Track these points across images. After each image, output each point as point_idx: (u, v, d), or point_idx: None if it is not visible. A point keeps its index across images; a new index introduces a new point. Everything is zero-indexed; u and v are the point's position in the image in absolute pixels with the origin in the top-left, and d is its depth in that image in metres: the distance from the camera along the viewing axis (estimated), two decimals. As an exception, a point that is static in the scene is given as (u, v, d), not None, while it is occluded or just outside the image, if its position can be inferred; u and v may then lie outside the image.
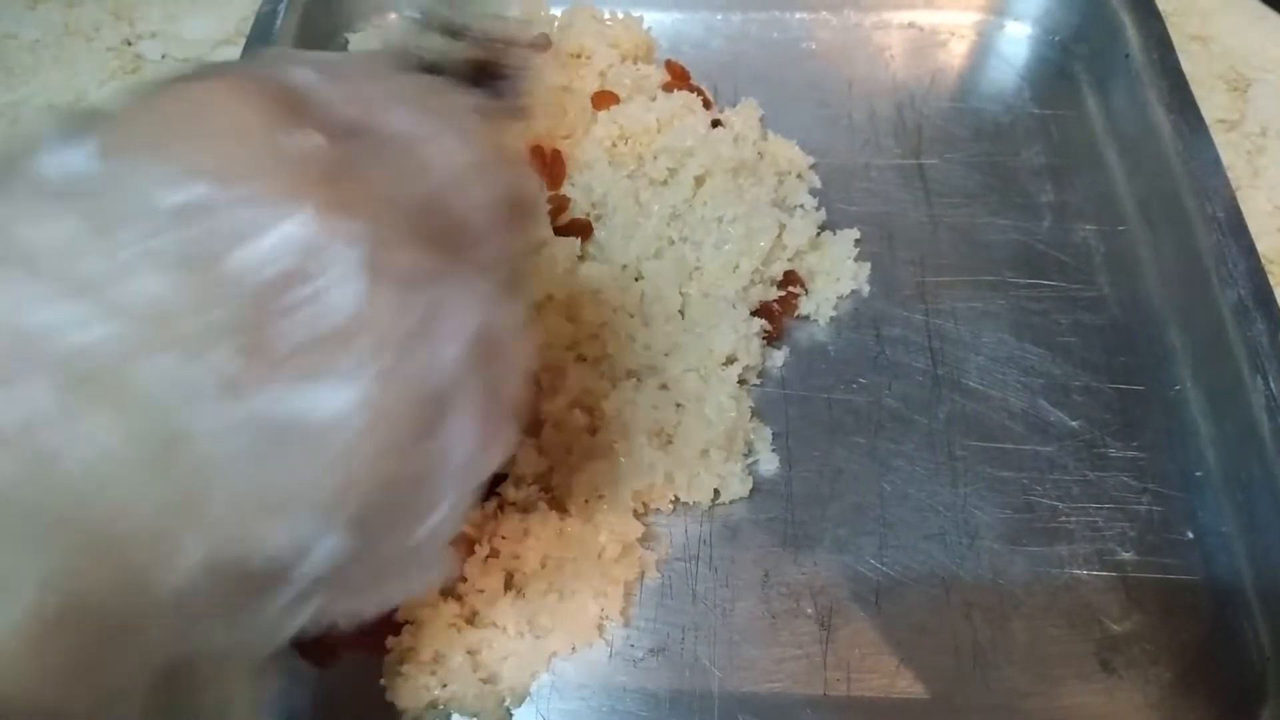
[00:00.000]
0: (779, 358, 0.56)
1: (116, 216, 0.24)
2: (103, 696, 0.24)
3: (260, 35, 0.64)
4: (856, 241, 0.59)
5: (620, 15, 0.68)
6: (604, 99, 0.62)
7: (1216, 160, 0.57)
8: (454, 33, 0.43)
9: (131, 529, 0.23)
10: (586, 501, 0.49)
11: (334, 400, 0.25)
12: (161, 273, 0.24)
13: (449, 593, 0.47)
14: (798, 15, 0.72)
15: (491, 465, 0.29)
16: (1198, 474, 0.52)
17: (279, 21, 0.65)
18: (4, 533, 0.23)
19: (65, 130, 0.26)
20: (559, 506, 0.49)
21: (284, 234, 0.24)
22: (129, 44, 0.73)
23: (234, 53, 0.67)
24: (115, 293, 0.23)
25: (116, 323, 0.23)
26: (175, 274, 0.24)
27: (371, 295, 0.25)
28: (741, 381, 0.54)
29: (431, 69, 0.40)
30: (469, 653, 0.46)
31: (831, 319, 0.57)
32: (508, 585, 0.47)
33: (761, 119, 0.64)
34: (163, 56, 0.72)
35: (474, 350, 0.28)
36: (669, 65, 0.66)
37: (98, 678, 0.23)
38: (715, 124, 0.62)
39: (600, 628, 0.47)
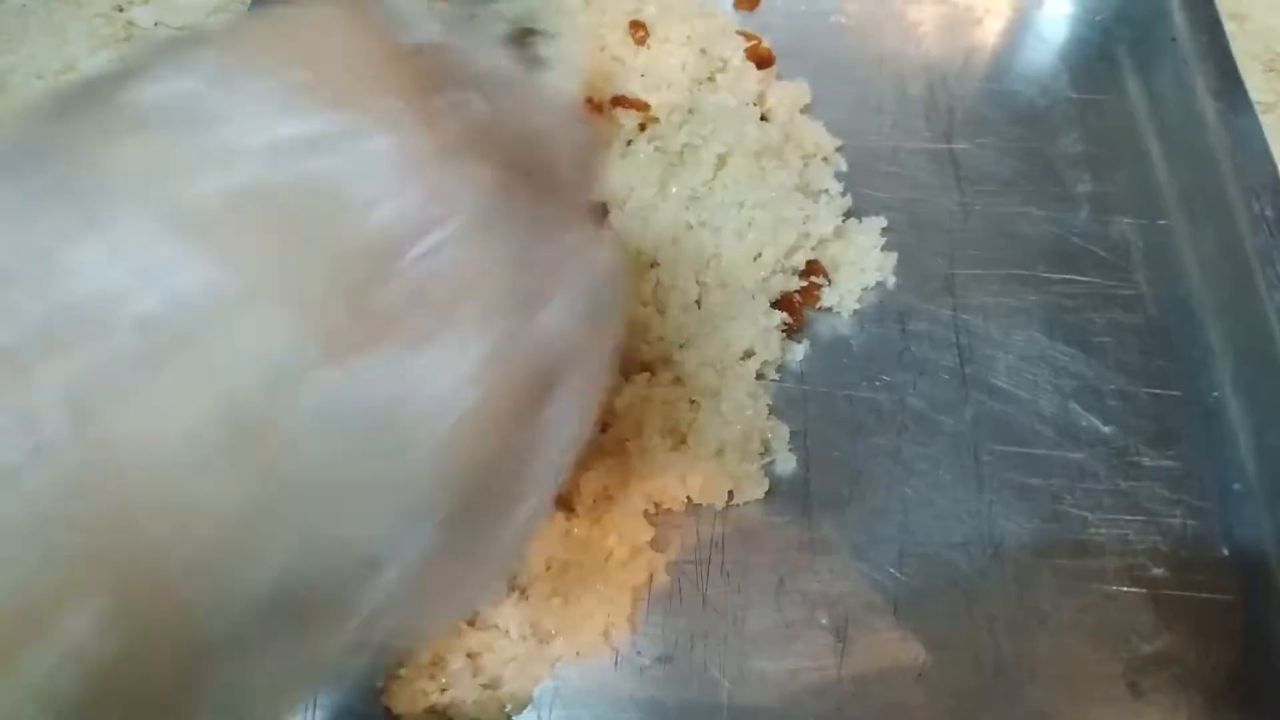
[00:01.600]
0: (799, 352, 0.53)
1: (223, 146, 0.21)
2: None
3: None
4: (883, 230, 0.57)
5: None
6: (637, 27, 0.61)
7: (1266, 153, 0.54)
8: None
9: (198, 550, 0.20)
10: (595, 502, 0.47)
11: (444, 373, 0.21)
12: (269, 213, 0.20)
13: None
14: (828, -13, 0.69)
15: (581, 443, 0.26)
16: (1235, 487, 0.49)
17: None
18: (36, 565, 0.18)
19: (168, 51, 0.23)
20: (566, 506, 0.47)
21: (409, 178, 0.21)
22: (120, 10, 0.71)
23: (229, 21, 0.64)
24: (211, 234, 0.20)
25: (208, 269, 0.20)
26: (284, 216, 0.20)
27: (492, 251, 0.22)
28: (759, 377, 0.52)
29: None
30: (469, 656, 0.44)
31: (855, 312, 0.55)
32: (511, 587, 0.45)
33: (805, 108, 0.62)
34: (155, 24, 0.70)
35: (587, 312, 0.25)
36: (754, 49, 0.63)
37: None
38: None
39: (607, 635, 0.45)
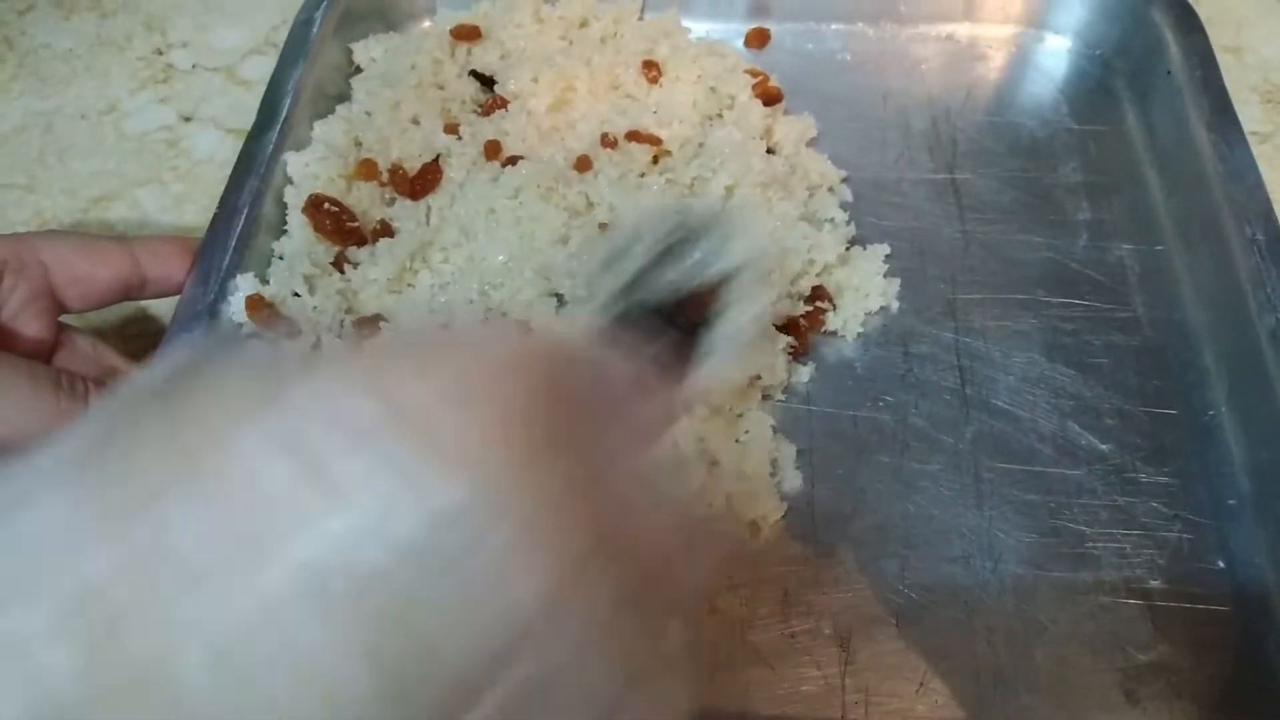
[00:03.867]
0: (805, 374, 0.55)
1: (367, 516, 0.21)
2: None
3: (296, 43, 0.65)
4: (887, 257, 0.59)
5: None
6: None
7: (1258, 182, 0.56)
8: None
9: None
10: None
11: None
12: (384, 600, 0.21)
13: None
14: (833, 26, 0.71)
15: None
16: (1230, 502, 0.51)
17: (315, 30, 0.65)
18: None
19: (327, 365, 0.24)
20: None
21: (531, 584, 0.22)
22: (160, 53, 0.74)
23: (264, 63, 0.67)
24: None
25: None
26: (401, 607, 0.21)
27: (598, 675, 0.23)
28: (765, 398, 0.54)
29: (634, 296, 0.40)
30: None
31: (859, 335, 0.57)
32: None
33: (811, 141, 0.65)
34: (193, 66, 0.74)
35: None
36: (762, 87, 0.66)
37: None
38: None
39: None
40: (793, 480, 0.52)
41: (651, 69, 0.64)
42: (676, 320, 0.40)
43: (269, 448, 0.21)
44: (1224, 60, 0.64)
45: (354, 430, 0.21)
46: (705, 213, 0.43)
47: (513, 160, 0.60)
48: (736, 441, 0.52)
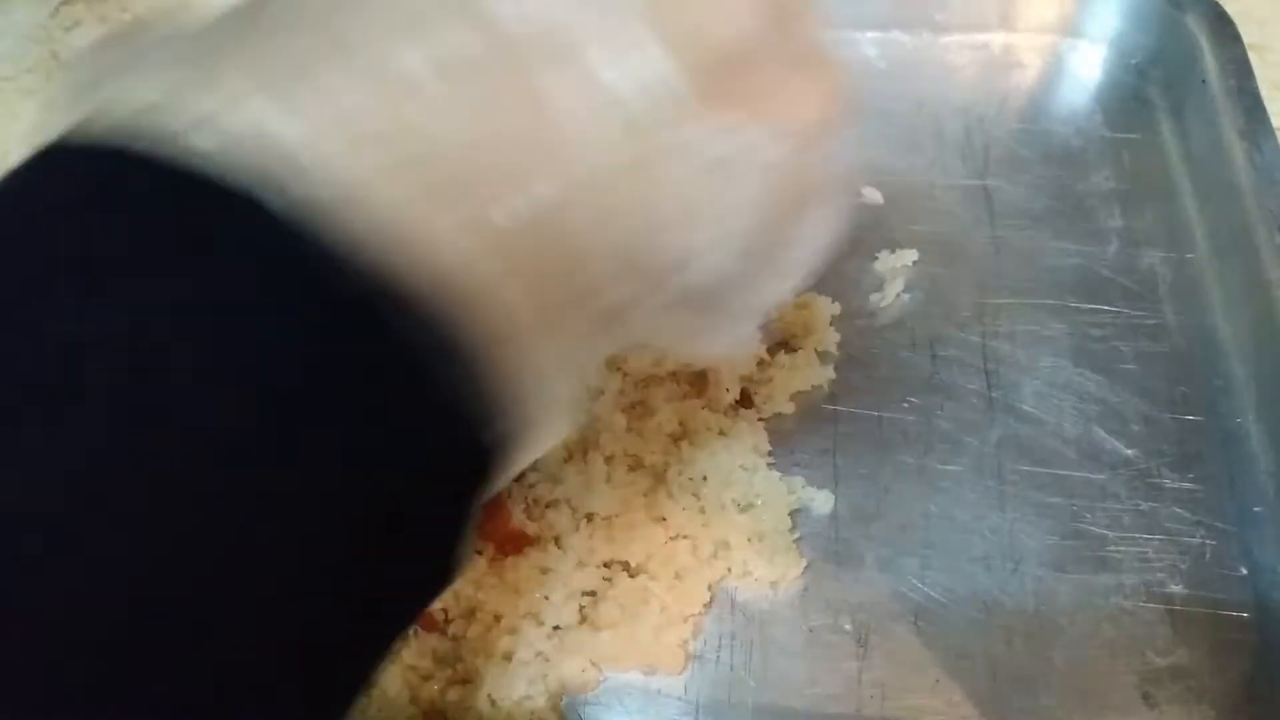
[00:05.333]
0: (830, 373, 0.56)
1: None
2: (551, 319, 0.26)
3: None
4: (915, 262, 0.59)
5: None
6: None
7: (1291, 191, 0.56)
8: None
9: (592, 183, 0.25)
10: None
11: (763, 150, 0.27)
12: None
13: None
14: (869, 34, 0.72)
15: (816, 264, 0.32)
16: (1256, 509, 0.50)
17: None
18: None
19: None
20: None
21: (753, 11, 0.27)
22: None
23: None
24: None
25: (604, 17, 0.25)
26: None
27: (799, 83, 0.29)
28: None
29: None
30: (506, 657, 0.47)
31: (886, 337, 0.57)
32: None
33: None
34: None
35: (842, 162, 0.31)
36: None
37: (548, 298, 0.25)
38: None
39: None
40: (823, 505, 0.52)
41: None
42: None
43: None
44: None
45: None
46: None
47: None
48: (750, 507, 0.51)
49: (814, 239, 0.31)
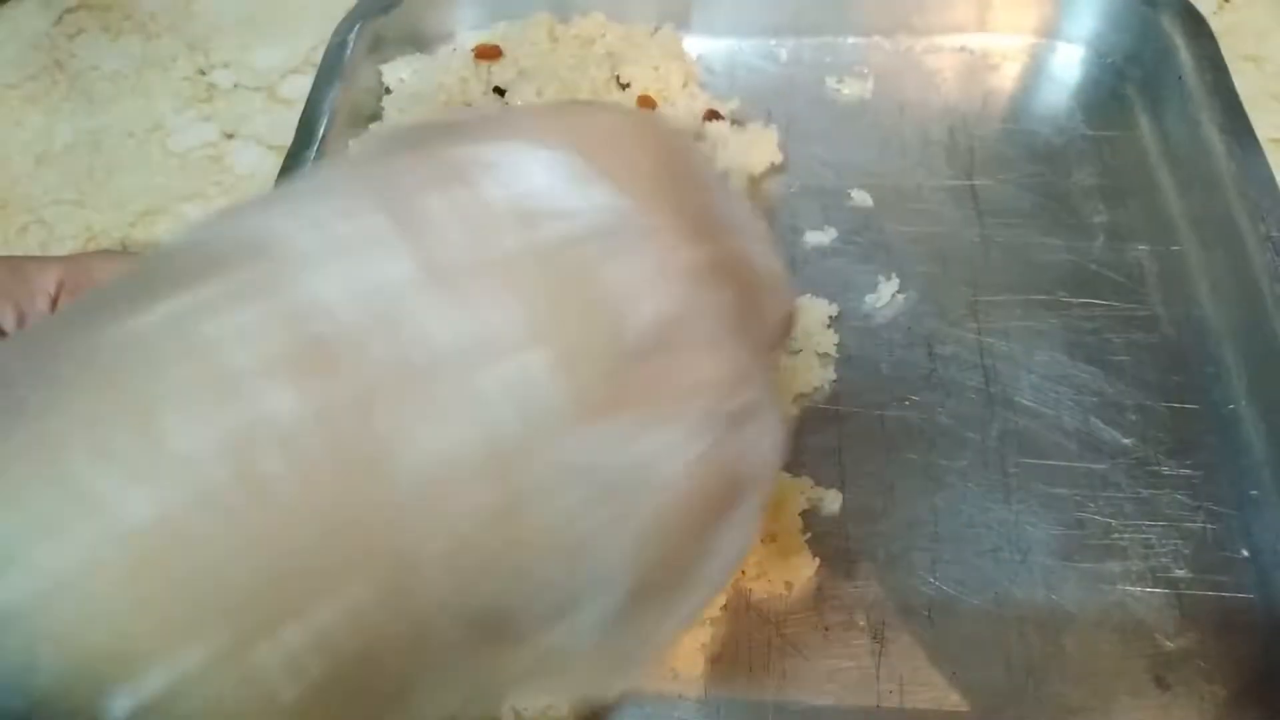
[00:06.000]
0: (831, 374, 0.57)
1: (486, 203, 0.23)
2: None
3: (330, 66, 0.67)
4: (907, 263, 0.60)
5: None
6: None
7: (1271, 180, 0.57)
8: None
9: (449, 554, 0.21)
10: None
11: (670, 457, 0.23)
12: (534, 275, 0.22)
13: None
14: (850, 40, 0.73)
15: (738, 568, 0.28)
16: (1253, 493, 0.52)
17: (348, 52, 0.67)
18: (313, 540, 0.20)
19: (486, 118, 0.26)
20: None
21: (663, 283, 0.23)
22: (203, 73, 0.77)
23: (303, 82, 0.70)
24: (478, 285, 0.21)
25: (473, 317, 0.21)
26: (544, 279, 0.22)
27: (722, 365, 0.24)
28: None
29: None
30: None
31: (884, 338, 0.58)
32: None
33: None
34: (235, 86, 0.76)
35: (774, 440, 0.26)
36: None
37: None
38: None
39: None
40: (832, 504, 0.52)
41: (646, 105, 0.66)
42: None
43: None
44: (1245, 69, 0.66)
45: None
46: None
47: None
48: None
49: (735, 546, 0.26)
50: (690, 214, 0.25)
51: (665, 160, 0.26)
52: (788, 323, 0.30)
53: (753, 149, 0.65)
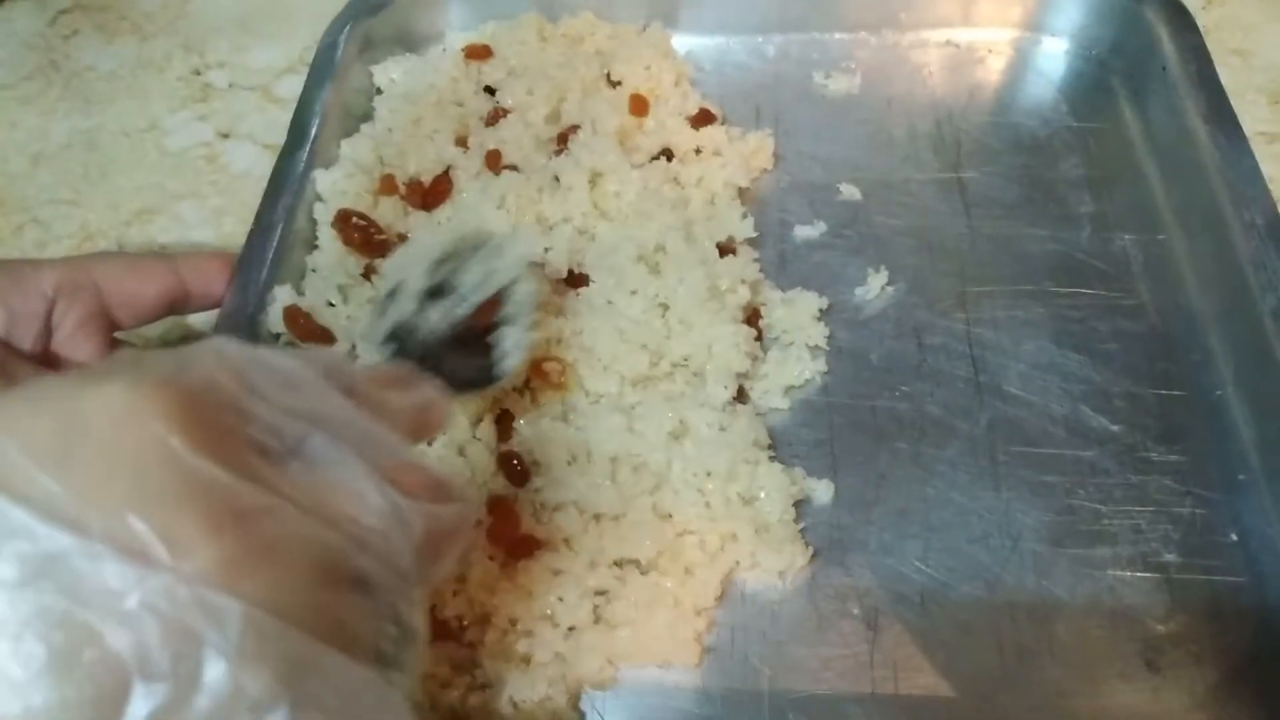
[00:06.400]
0: (822, 366, 0.57)
1: None
2: None
3: (321, 67, 0.67)
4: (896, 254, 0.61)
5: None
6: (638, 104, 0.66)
7: (1255, 168, 0.58)
8: (441, 295, 0.49)
9: None
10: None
11: None
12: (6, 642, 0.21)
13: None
14: (837, 36, 0.74)
15: None
16: (1241, 477, 0.52)
17: (339, 53, 0.68)
18: None
19: None
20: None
21: (151, 604, 0.22)
22: (198, 74, 0.77)
23: (297, 81, 0.70)
24: None
25: None
26: (27, 645, 0.22)
27: (236, 688, 0.23)
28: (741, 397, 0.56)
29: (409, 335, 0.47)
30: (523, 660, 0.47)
31: (874, 328, 0.59)
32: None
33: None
34: (230, 85, 0.76)
35: None
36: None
37: None
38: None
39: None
40: (824, 494, 0.53)
41: (639, 104, 0.66)
42: (459, 344, 0.48)
43: None
44: (1232, 63, 0.67)
45: None
46: (473, 235, 0.51)
47: (511, 168, 0.63)
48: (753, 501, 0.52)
49: None
50: (211, 492, 0.24)
51: (172, 434, 0.24)
52: (436, 536, 0.29)
53: (752, 158, 0.66)
